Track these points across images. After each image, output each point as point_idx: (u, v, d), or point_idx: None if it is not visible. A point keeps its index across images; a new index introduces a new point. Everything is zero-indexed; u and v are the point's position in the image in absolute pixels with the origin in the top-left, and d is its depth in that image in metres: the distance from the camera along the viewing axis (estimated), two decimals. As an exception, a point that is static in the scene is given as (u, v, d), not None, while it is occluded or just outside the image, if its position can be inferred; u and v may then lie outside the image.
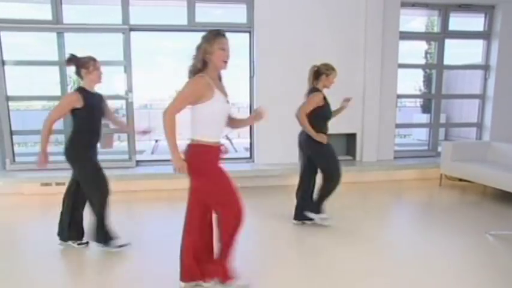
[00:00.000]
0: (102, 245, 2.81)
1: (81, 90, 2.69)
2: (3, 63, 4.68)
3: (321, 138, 3.16)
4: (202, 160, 2.06)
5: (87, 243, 2.93)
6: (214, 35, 2.01)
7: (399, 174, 5.18)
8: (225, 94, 2.12)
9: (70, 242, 2.90)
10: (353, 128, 5.30)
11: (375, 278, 2.39)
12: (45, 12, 4.67)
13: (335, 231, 3.25)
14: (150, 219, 3.82)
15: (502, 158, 4.55)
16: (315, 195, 3.38)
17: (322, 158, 3.26)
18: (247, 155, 5.46)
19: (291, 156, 5.13)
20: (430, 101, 6.02)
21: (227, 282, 2.16)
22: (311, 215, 3.34)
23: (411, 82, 9.51)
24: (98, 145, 2.89)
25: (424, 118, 7.77)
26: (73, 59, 2.69)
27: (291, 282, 2.35)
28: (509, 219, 3.57)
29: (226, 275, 2.16)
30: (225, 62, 2.04)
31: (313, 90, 3.21)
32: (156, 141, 7.65)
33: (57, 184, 4.55)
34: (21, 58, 5.04)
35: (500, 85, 5.51)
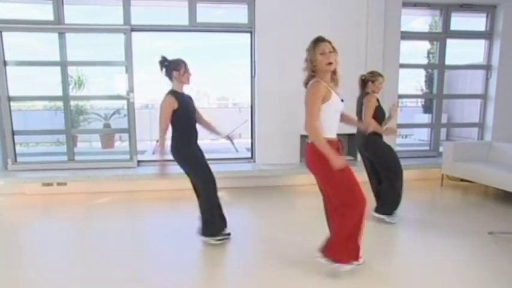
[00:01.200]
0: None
1: (173, 92, 2.78)
2: (5, 63, 4.70)
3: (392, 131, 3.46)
4: (322, 155, 2.20)
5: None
6: (313, 42, 2.29)
7: (400, 175, 5.15)
8: (338, 94, 2.32)
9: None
10: (354, 128, 5.28)
11: (374, 278, 2.38)
12: (46, 13, 4.68)
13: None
14: (151, 219, 3.82)
15: (503, 158, 4.53)
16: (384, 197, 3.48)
17: (382, 157, 3.44)
18: (249, 155, 5.46)
19: (292, 156, 5.15)
20: (431, 101, 6.01)
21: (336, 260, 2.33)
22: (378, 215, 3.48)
23: (412, 82, 9.48)
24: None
25: (426, 118, 7.75)
26: (165, 61, 2.78)
27: (290, 282, 2.35)
28: (511, 220, 3.56)
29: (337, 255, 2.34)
30: (330, 64, 2.21)
31: (365, 94, 3.39)
32: (157, 141, 7.64)
33: (59, 184, 4.56)
34: (22, 58, 5.06)
35: (502, 85, 5.49)
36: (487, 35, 5.57)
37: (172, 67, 2.76)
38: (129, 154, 5.08)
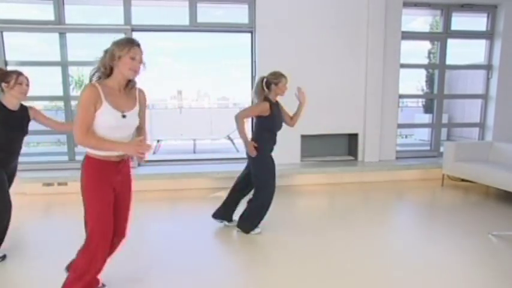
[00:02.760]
0: None
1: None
2: (6, 63, 4.70)
3: (250, 149, 3.04)
4: (88, 172, 1.91)
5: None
6: (129, 41, 1.89)
7: (401, 175, 5.16)
8: (125, 106, 1.90)
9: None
10: (355, 128, 5.30)
11: (375, 279, 2.38)
12: (47, 13, 4.68)
13: (336, 232, 3.24)
14: (151, 219, 3.82)
15: (504, 158, 4.53)
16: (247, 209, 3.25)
17: (258, 168, 3.16)
18: (249, 155, 5.45)
19: (291, 157, 5.15)
20: (432, 101, 6.01)
21: None
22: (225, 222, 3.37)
23: (413, 82, 9.48)
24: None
25: (426, 118, 7.74)
26: None
27: (289, 283, 2.35)
28: (512, 220, 3.56)
29: None
30: (134, 72, 1.87)
31: (264, 100, 3.06)
32: (158, 141, 7.67)
33: (59, 184, 4.56)
34: (23, 59, 5.06)
35: (503, 85, 5.48)
36: (487, 35, 5.56)
37: (2, 78, 2.47)
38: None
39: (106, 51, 1.86)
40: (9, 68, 4.73)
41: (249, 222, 3.18)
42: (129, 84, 1.95)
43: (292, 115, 3.29)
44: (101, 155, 1.90)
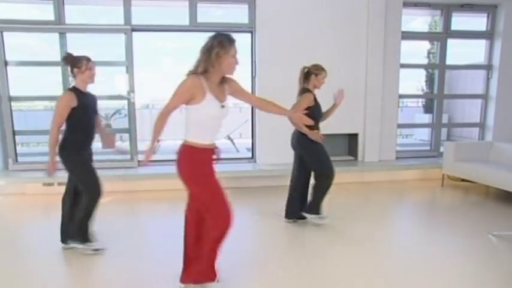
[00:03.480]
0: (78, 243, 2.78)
1: (74, 89, 2.68)
2: (6, 63, 4.70)
3: (315, 135, 3.17)
4: (191, 160, 2.05)
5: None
6: (231, 40, 2.01)
7: (401, 175, 5.16)
8: (222, 99, 2.07)
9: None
10: (355, 128, 5.30)
11: (375, 279, 2.38)
12: (47, 13, 4.68)
13: (336, 232, 3.25)
14: (152, 219, 3.83)
15: (504, 158, 4.53)
16: (310, 196, 3.38)
17: (314, 157, 3.27)
18: (249, 155, 5.46)
19: (291, 157, 5.12)
20: (432, 101, 6.01)
21: (195, 282, 2.18)
22: (306, 215, 3.37)
23: (413, 82, 9.47)
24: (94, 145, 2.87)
25: (426, 118, 7.74)
26: (68, 57, 2.68)
27: (288, 283, 2.35)
28: (512, 220, 3.56)
29: (195, 277, 2.18)
30: (234, 69, 2.05)
31: (304, 90, 3.23)
32: (158, 141, 7.65)
33: (59, 184, 4.53)
34: (23, 59, 5.06)
35: (503, 85, 5.48)
36: (487, 35, 5.56)
37: (74, 64, 2.65)
38: (130, 154, 5.08)
39: (209, 50, 1.95)
40: (9, 68, 4.73)
41: (318, 206, 3.32)
42: (223, 79, 2.08)
43: (324, 112, 3.38)
44: (200, 143, 2.04)
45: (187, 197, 2.26)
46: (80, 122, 2.69)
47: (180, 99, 1.98)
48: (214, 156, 2.15)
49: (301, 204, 3.42)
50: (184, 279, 2.22)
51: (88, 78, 2.69)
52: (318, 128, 3.29)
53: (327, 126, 5.27)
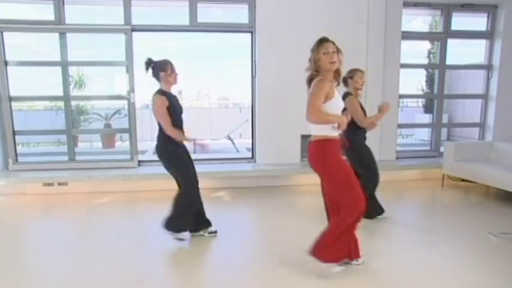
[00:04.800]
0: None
1: (162, 92, 2.84)
2: (6, 63, 4.70)
3: (377, 118, 3.26)
4: (325, 152, 2.30)
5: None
6: (317, 42, 2.35)
7: (401, 175, 5.16)
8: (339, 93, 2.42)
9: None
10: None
11: (375, 279, 2.38)
12: (47, 13, 4.68)
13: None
14: (152, 219, 3.82)
15: (504, 158, 4.52)
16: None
17: (363, 159, 3.37)
18: (249, 155, 5.46)
19: (292, 157, 5.15)
20: (432, 101, 6.00)
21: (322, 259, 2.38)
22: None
23: (413, 82, 9.47)
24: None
25: (427, 118, 7.74)
26: (151, 63, 2.84)
27: (288, 282, 2.35)
28: (512, 220, 3.56)
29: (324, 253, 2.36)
30: (332, 63, 2.27)
31: (346, 94, 3.30)
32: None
33: (59, 184, 4.57)
34: (23, 59, 5.07)
35: (503, 85, 5.48)
36: (488, 34, 5.56)
37: (159, 68, 2.82)
38: (130, 154, 5.09)
39: (309, 60, 2.42)
40: (9, 68, 4.74)
41: (372, 208, 3.33)
42: (338, 78, 2.41)
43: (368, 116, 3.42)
44: (332, 135, 2.31)
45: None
46: (173, 121, 2.84)
47: (320, 100, 2.23)
48: (341, 146, 2.39)
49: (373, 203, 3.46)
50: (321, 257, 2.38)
51: (174, 80, 2.89)
52: (365, 130, 3.38)
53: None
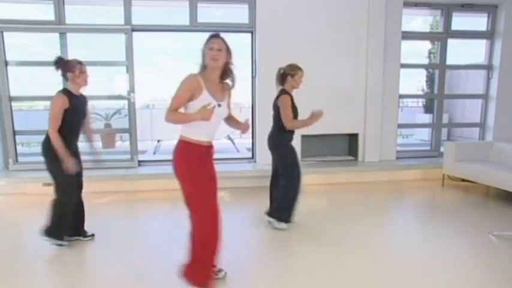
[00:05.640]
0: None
1: (65, 91, 2.74)
2: (6, 63, 4.71)
3: (316, 117, 3.09)
4: (188, 157, 2.10)
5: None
6: (207, 38, 2.10)
7: (401, 175, 5.16)
8: (220, 98, 2.13)
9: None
10: (355, 128, 5.30)
11: (375, 279, 2.38)
12: (47, 13, 4.69)
13: (335, 232, 3.24)
14: (152, 219, 3.82)
15: (505, 158, 4.52)
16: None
17: (284, 157, 3.27)
18: (249, 155, 5.46)
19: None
20: (432, 101, 6.01)
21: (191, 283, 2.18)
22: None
23: (414, 82, 9.48)
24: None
25: (427, 118, 7.74)
26: (60, 61, 2.74)
27: (290, 282, 2.35)
28: (513, 220, 3.56)
29: (192, 277, 2.18)
30: (212, 60, 2.04)
31: (282, 92, 3.20)
32: (158, 141, 7.67)
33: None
34: (23, 58, 5.06)
35: (503, 85, 5.48)
36: (488, 34, 5.56)
37: (67, 68, 2.73)
38: (130, 154, 5.09)
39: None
40: (9, 68, 4.74)
41: (286, 211, 3.27)
42: (224, 77, 2.17)
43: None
44: (194, 139, 2.09)
45: None
46: (68, 123, 2.73)
47: (182, 98, 2.04)
48: (210, 156, 2.19)
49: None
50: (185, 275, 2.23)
51: (82, 81, 2.78)
52: (293, 132, 3.26)
53: (327, 126, 5.30)
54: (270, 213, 3.34)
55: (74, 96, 2.77)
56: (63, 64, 2.74)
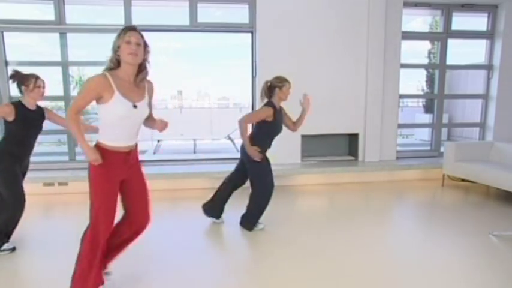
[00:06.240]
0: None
1: (18, 104, 2.74)
2: (7, 63, 4.71)
3: (253, 153, 3.04)
4: (100, 165, 1.95)
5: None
6: (121, 29, 1.93)
7: (401, 175, 5.16)
8: (136, 97, 1.94)
9: None
10: (355, 128, 5.30)
11: (375, 279, 2.38)
12: (48, 13, 4.69)
13: (336, 232, 3.24)
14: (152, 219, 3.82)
15: (505, 158, 4.52)
16: (248, 209, 3.28)
17: (255, 171, 3.16)
18: (249, 155, 5.45)
19: (291, 157, 5.15)
20: (432, 101, 6.00)
21: None
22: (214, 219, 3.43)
23: (414, 82, 9.48)
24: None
25: (427, 118, 7.74)
26: (16, 76, 2.75)
27: (291, 282, 2.35)
28: (513, 220, 3.56)
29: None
30: (131, 55, 1.87)
31: (267, 104, 3.11)
32: (159, 141, 7.67)
33: (60, 184, 4.57)
34: (24, 58, 5.07)
35: (504, 85, 5.48)
36: (488, 34, 5.56)
37: (21, 82, 2.74)
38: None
39: (112, 47, 1.93)
40: (9, 68, 4.74)
41: (251, 221, 3.25)
42: (140, 75, 1.97)
43: (295, 120, 3.28)
44: (110, 145, 1.94)
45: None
46: (16, 136, 2.74)
47: (84, 100, 1.87)
48: (125, 161, 2.01)
49: (223, 208, 3.45)
50: None
51: (37, 95, 2.77)
52: (269, 146, 3.19)
53: (327, 126, 5.31)
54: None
55: (26, 109, 2.75)
56: (18, 78, 2.75)
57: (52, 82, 5.19)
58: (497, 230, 3.17)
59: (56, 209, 4.12)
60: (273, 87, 3.10)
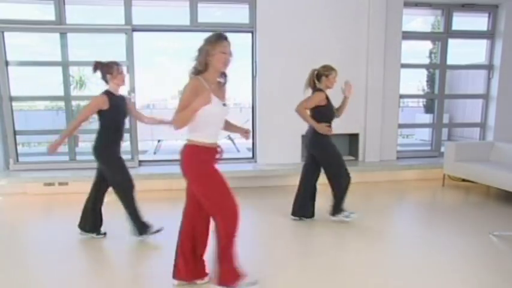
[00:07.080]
0: (139, 236, 2.98)
1: (107, 93, 2.88)
2: (7, 63, 4.71)
3: (324, 129, 3.22)
4: (197, 160, 2.10)
5: (104, 234, 3.13)
6: (216, 36, 2.05)
7: (402, 175, 5.16)
8: (219, 97, 2.12)
9: (90, 234, 3.08)
10: (355, 128, 5.29)
11: (375, 278, 2.38)
12: (48, 13, 4.69)
13: (337, 231, 3.24)
14: (152, 219, 3.82)
15: (505, 158, 4.52)
16: (333, 198, 3.42)
17: (327, 158, 3.35)
18: (250, 155, 5.46)
19: (293, 157, 5.15)
20: (433, 101, 6.00)
21: (229, 285, 2.14)
22: (334, 218, 3.42)
23: (414, 82, 9.48)
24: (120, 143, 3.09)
25: (427, 118, 7.73)
26: (98, 65, 2.88)
27: (292, 282, 2.35)
28: (513, 220, 3.55)
29: (227, 279, 2.14)
30: (225, 65, 2.06)
31: (316, 90, 3.29)
32: (159, 141, 7.67)
33: (60, 184, 4.57)
34: (24, 59, 5.07)
35: (504, 85, 5.48)
36: (488, 34, 5.55)
37: (106, 70, 2.88)
38: (131, 154, 5.09)
39: (200, 50, 2.04)
40: (10, 68, 4.74)
41: (339, 207, 3.39)
42: (225, 79, 2.18)
43: (338, 107, 3.43)
44: (208, 142, 2.10)
45: (186, 196, 2.29)
46: (112, 122, 2.90)
47: (188, 101, 1.98)
48: (218, 156, 2.19)
49: (312, 204, 3.49)
50: (177, 275, 2.25)
51: (120, 81, 2.93)
52: (331, 128, 3.36)
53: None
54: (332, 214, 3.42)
55: (115, 96, 2.91)
56: (102, 67, 2.89)
57: (52, 82, 5.22)
58: (498, 230, 3.17)
59: (56, 209, 4.13)
60: (320, 76, 3.27)
